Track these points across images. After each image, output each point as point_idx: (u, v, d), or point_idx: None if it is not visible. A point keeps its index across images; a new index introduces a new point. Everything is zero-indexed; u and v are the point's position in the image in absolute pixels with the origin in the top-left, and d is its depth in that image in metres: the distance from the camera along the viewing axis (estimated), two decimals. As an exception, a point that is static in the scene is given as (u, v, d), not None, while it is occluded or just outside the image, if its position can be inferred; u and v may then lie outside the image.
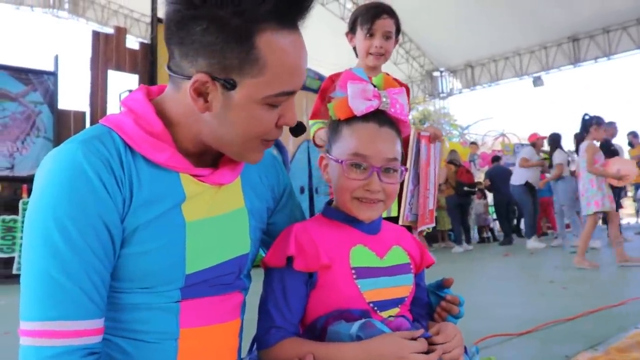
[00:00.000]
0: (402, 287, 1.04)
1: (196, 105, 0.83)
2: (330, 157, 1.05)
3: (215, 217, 0.92)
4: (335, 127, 1.05)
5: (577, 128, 6.62)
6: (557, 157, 6.95)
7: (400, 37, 2.13)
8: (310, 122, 2.09)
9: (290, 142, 6.25)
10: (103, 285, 0.80)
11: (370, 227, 1.05)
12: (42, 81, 6.16)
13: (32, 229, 0.77)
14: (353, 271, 0.99)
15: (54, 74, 6.22)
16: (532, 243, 7.12)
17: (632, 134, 8.60)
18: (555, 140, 7.15)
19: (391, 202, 1.06)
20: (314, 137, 2.04)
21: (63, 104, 6.29)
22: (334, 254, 0.99)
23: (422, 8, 12.94)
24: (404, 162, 1.09)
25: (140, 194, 0.84)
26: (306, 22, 0.85)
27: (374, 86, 1.05)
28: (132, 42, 6.76)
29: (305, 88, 6.20)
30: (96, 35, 6.27)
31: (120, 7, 16.56)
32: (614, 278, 4.02)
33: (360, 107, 1.00)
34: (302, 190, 6.40)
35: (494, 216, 11.35)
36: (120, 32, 6.50)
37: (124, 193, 0.82)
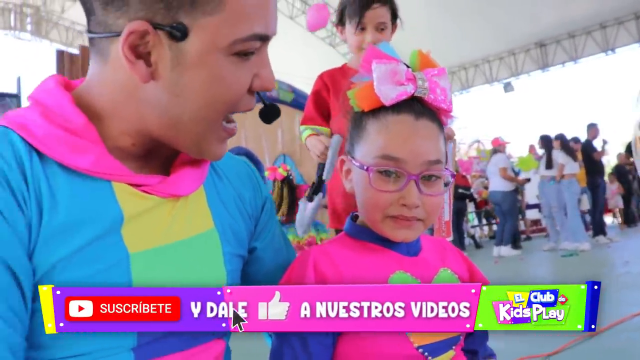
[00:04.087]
0: None
1: (135, 72, 0.61)
2: (352, 161, 0.83)
3: (173, 244, 0.68)
4: (358, 121, 0.82)
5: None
6: (561, 157, 6.79)
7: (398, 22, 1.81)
8: (301, 127, 1.89)
9: (266, 158, 6.02)
10: (14, 358, 0.55)
11: (410, 246, 0.83)
12: (4, 104, 5.85)
13: None
14: None
15: (16, 96, 5.88)
16: (509, 250, 7.01)
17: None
18: (548, 142, 7.05)
19: (432, 221, 0.83)
20: (306, 144, 1.83)
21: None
22: None
23: (392, 18, 12.89)
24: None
25: (56, 215, 0.59)
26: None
27: (407, 67, 0.82)
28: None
29: (278, 101, 5.98)
30: (60, 54, 5.95)
31: (86, 27, 16.06)
32: (628, 286, 3.69)
33: (390, 94, 0.77)
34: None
35: (475, 222, 11.32)
36: (86, 52, 6.22)
37: (28, 215, 0.58)
